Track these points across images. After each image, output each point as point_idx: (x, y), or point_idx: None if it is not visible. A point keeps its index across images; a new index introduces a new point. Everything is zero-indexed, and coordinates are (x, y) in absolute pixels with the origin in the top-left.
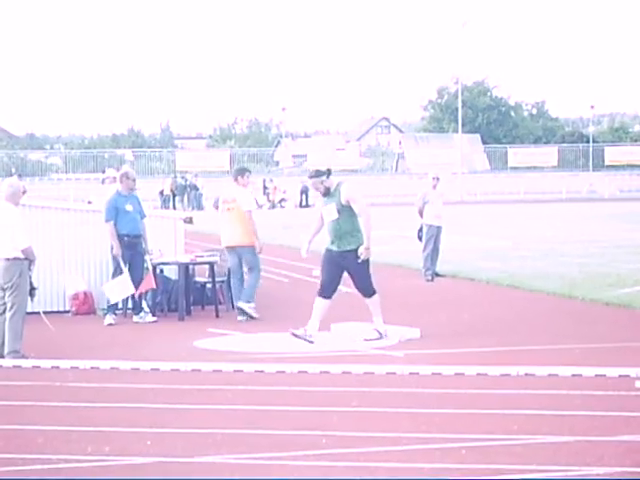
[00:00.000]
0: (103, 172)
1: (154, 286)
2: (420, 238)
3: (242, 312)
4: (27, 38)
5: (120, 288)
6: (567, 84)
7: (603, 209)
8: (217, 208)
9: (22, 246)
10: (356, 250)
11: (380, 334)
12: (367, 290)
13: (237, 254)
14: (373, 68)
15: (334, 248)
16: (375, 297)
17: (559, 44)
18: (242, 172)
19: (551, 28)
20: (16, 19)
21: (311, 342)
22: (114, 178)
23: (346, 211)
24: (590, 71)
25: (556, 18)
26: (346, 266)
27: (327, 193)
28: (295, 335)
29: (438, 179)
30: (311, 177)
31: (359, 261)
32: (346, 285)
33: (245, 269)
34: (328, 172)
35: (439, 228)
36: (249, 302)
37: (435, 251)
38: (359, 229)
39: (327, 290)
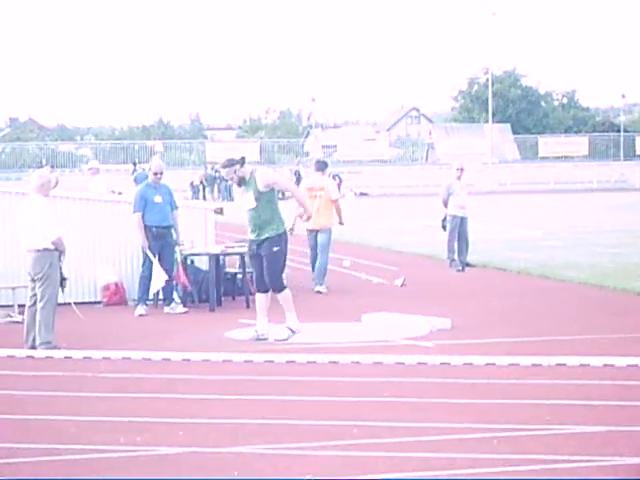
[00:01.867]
0: (133, 164)
1: (187, 285)
2: (444, 228)
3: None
4: (59, 30)
5: (156, 277)
6: (598, 73)
7: (634, 198)
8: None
9: (52, 237)
10: (272, 238)
11: (293, 331)
12: (275, 284)
13: (316, 235)
14: (403, 58)
15: (253, 237)
16: (285, 292)
17: (590, 33)
18: (327, 165)
19: (582, 17)
20: (47, 11)
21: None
22: (97, 169)
23: (264, 199)
24: (621, 60)
25: (587, 6)
26: (261, 254)
27: (242, 182)
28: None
29: (462, 170)
30: (224, 167)
31: (274, 249)
32: (378, 276)
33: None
34: (242, 160)
35: (463, 219)
36: (322, 284)
37: (465, 241)
38: (279, 217)
39: (260, 284)
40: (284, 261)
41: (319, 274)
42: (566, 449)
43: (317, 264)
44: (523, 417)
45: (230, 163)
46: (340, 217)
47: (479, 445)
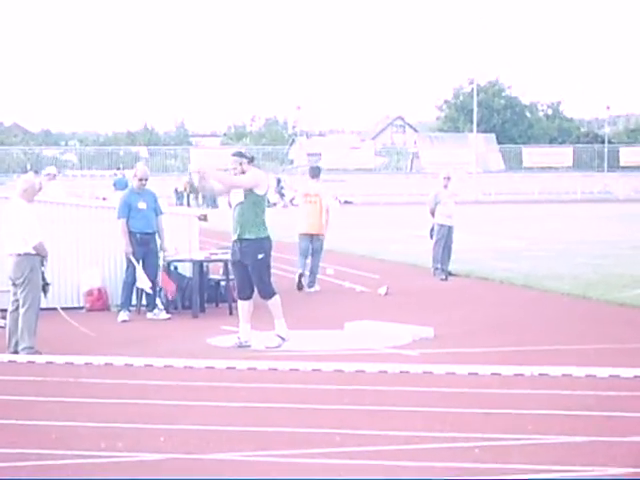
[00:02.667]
0: (117, 169)
1: (173, 290)
2: (432, 237)
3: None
4: (42, 35)
5: (140, 282)
6: (583, 85)
7: (618, 210)
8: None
9: (33, 242)
10: (254, 242)
11: (283, 339)
12: (265, 291)
13: (311, 240)
14: (388, 67)
15: (235, 237)
16: (275, 298)
17: (575, 44)
18: (320, 171)
19: (567, 29)
20: (31, 16)
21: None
22: (53, 175)
23: (251, 198)
24: (606, 72)
25: (572, 19)
26: (245, 262)
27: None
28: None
29: (449, 179)
30: (233, 155)
31: (258, 257)
32: (361, 284)
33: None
34: (251, 159)
35: (450, 228)
36: (312, 286)
37: (447, 250)
38: (262, 222)
39: (242, 291)
40: (269, 268)
41: (312, 277)
42: (548, 459)
43: (311, 267)
44: (505, 427)
45: (240, 154)
46: (325, 226)
47: (461, 454)
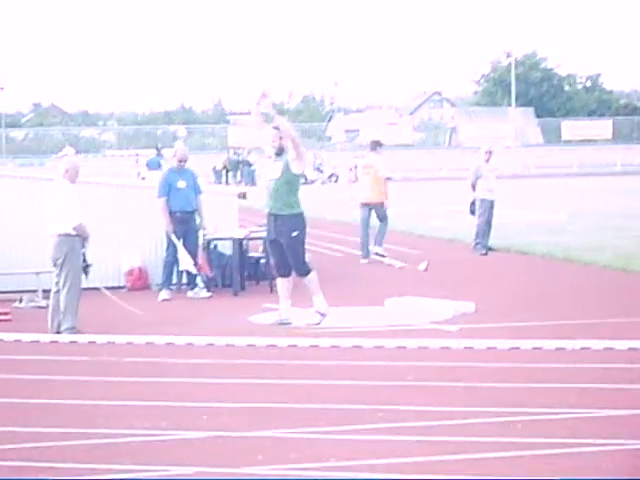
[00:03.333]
0: (156, 148)
1: (208, 272)
2: (472, 212)
3: (377, 254)
4: (81, 16)
5: (182, 261)
6: (622, 56)
7: None
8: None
9: (73, 223)
10: (288, 219)
11: (323, 314)
12: (300, 269)
13: (369, 209)
14: (425, 42)
15: (269, 210)
16: (311, 275)
17: (612, 16)
18: (378, 144)
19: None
20: None
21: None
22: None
23: (287, 177)
24: None
25: None
26: (280, 239)
27: (280, 152)
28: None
29: (491, 153)
30: (275, 128)
31: (292, 235)
32: (399, 259)
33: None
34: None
35: (492, 202)
36: (381, 246)
37: (488, 225)
38: (296, 199)
39: (281, 268)
40: (304, 245)
41: (379, 237)
42: (591, 433)
43: (378, 229)
44: (548, 401)
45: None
46: (385, 195)
47: (503, 429)
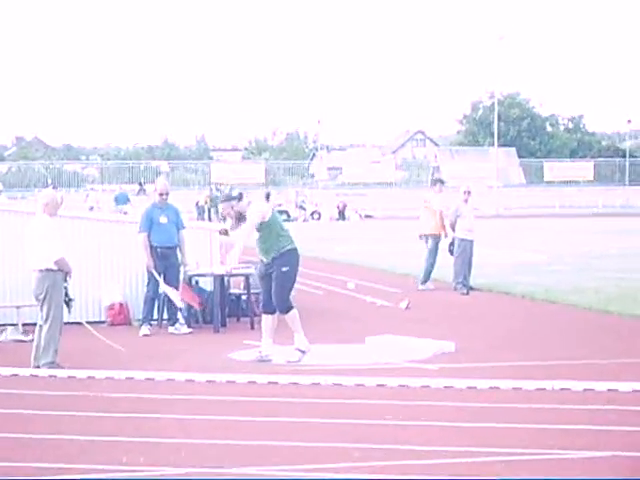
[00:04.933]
0: (139, 184)
1: (196, 305)
2: (452, 252)
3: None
4: (65, 50)
5: (174, 293)
6: (604, 99)
7: (639, 224)
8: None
9: (54, 257)
10: (281, 256)
11: (303, 352)
12: (282, 305)
13: (426, 240)
14: (409, 82)
15: (264, 260)
16: (292, 313)
17: (595, 59)
18: (435, 182)
19: (588, 43)
20: (52, 32)
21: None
22: None
23: (265, 228)
24: (627, 86)
25: (592, 33)
26: (269, 271)
27: (240, 217)
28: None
29: (470, 193)
30: (222, 201)
31: (283, 270)
32: (382, 298)
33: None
34: (239, 196)
35: (471, 242)
36: (426, 282)
37: (468, 265)
38: (285, 238)
39: (267, 305)
40: (293, 281)
41: (424, 273)
42: (570, 473)
43: (425, 265)
44: (527, 441)
45: (227, 198)
46: (442, 227)
47: (482, 469)
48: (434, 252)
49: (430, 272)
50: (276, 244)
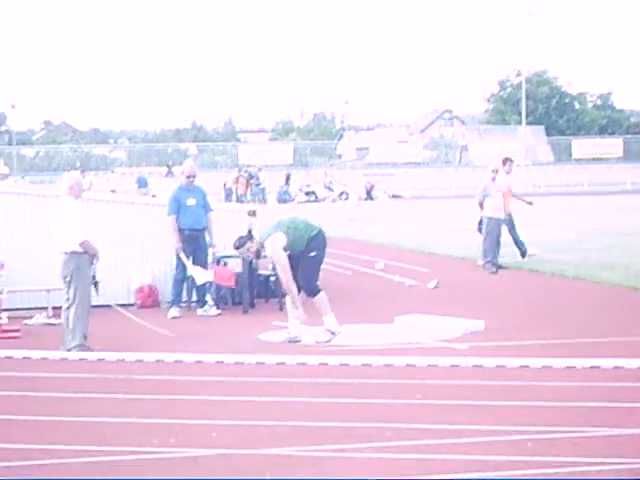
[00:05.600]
0: (167, 166)
1: (231, 284)
2: (480, 231)
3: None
4: (94, 35)
5: (201, 273)
6: (632, 75)
7: None
8: None
9: (79, 240)
10: (308, 241)
11: (333, 333)
12: (309, 289)
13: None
14: (436, 60)
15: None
16: (320, 296)
17: (623, 35)
18: (505, 161)
19: (615, 20)
20: (82, 17)
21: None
22: (6, 175)
23: (289, 248)
24: None
25: (620, 10)
26: (297, 255)
27: (259, 254)
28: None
29: (497, 171)
30: (236, 248)
31: (310, 255)
32: (411, 278)
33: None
34: (249, 235)
35: (499, 220)
36: (525, 254)
37: (497, 243)
38: (305, 231)
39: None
40: (320, 263)
41: (517, 247)
42: (600, 451)
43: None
44: (557, 419)
45: (241, 243)
46: (505, 206)
47: (512, 447)
48: (512, 228)
49: (521, 244)
50: (301, 239)
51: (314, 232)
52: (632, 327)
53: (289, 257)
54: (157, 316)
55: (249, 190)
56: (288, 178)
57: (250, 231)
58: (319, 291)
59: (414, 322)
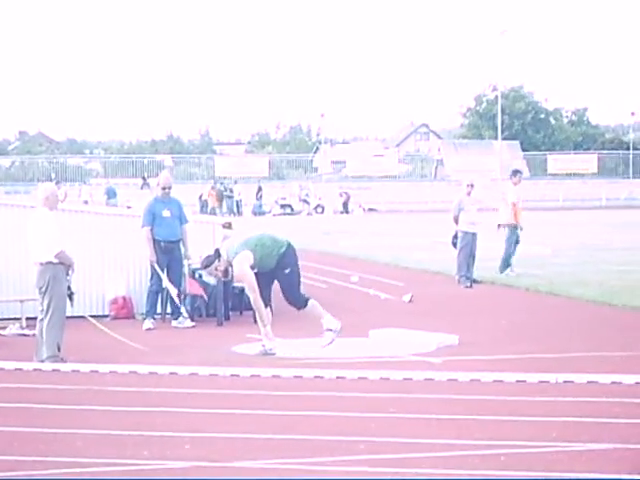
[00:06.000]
0: (143, 178)
1: (204, 295)
2: (454, 245)
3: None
4: (69, 44)
5: (174, 292)
6: (607, 91)
7: None
8: None
9: (55, 250)
10: (278, 259)
11: (334, 330)
12: (298, 302)
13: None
14: (412, 75)
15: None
16: (310, 304)
17: (599, 51)
18: (515, 173)
19: (591, 36)
20: (58, 26)
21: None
22: None
23: (256, 265)
24: (630, 78)
25: (595, 26)
26: (269, 272)
27: (227, 273)
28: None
29: (472, 186)
30: (204, 268)
31: (285, 272)
32: (385, 292)
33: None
34: (216, 253)
35: (474, 235)
36: (502, 271)
37: (471, 258)
38: (274, 247)
39: (263, 299)
40: (298, 278)
41: (502, 262)
42: (574, 466)
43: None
44: (530, 434)
45: (209, 262)
46: (515, 219)
47: (486, 461)
48: (511, 241)
49: (508, 260)
50: (270, 255)
51: (283, 248)
52: (605, 343)
53: (258, 274)
54: (131, 327)
55: (223, 203)
56: (259, 190)
57: (217, 250)
58: (307, 300)
59: (389, 336)
